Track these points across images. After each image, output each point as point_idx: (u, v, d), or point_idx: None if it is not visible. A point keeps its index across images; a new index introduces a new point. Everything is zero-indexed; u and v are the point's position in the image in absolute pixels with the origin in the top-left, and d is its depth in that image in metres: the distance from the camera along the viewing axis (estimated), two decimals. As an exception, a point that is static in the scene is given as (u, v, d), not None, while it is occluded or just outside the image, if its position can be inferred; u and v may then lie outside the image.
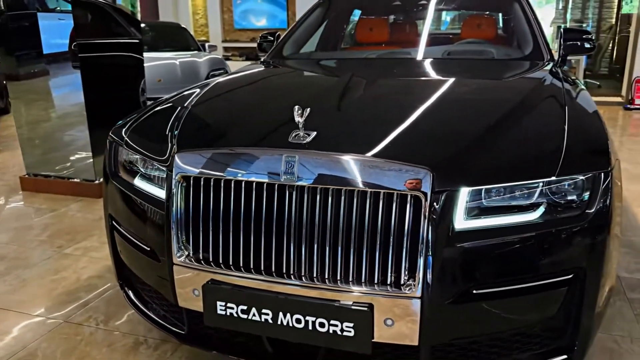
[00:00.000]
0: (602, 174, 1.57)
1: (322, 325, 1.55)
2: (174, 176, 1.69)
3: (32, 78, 4.34)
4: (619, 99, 8.79)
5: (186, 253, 1.69)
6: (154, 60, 6.65)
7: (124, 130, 2.06)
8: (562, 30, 3.07)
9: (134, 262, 1.96)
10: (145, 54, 5.91)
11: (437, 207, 1.47)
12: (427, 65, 2.73)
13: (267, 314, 1.60)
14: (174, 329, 1.88)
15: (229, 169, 1.62)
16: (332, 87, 2.35)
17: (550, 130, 1.72)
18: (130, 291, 2.09)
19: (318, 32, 3.55)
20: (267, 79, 2.72)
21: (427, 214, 1.46)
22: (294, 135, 1.63)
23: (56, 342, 2.20)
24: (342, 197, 1.51)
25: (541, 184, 1.54)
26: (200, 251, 1.68)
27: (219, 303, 1.64)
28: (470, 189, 1.50)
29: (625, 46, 9.31)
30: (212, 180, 1.64)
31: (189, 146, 1.74)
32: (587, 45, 3.00)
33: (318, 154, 1.55)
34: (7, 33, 4.15)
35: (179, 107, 2.13)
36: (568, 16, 12.28)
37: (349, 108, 2.00)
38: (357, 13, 3.81)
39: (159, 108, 2.22)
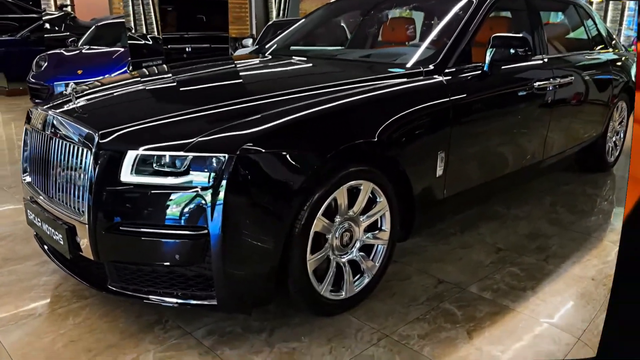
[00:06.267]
0: (227, 157, 1.91)
1: (53, 234, 2.26)
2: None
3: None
4: None
5: (25, 178, 2.57)
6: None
7: None
8: (491, 37, 2.95)
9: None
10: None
11: (101, 160, 2.03)
12: (323, 63, 3.07)
13: (40, 222, 2.38)
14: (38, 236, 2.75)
15: (38, 123, 2.44)
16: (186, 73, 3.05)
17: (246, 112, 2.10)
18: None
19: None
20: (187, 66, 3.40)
21: (92, 164, 2.04)
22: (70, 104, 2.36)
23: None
24: (65, 146, 2.20)
25: (189, 156, 1.96)
26: (29, 177, 2.54)
27: (27, 211, 2.49)
28: (132, 151, 2.01)
29: None
30: (32, 130, 2.49)
31: (40, 105, 2.60)
32: (519, 52, 2.88)
33: (60, 116, 2.28)
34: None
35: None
36: None
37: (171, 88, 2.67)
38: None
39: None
